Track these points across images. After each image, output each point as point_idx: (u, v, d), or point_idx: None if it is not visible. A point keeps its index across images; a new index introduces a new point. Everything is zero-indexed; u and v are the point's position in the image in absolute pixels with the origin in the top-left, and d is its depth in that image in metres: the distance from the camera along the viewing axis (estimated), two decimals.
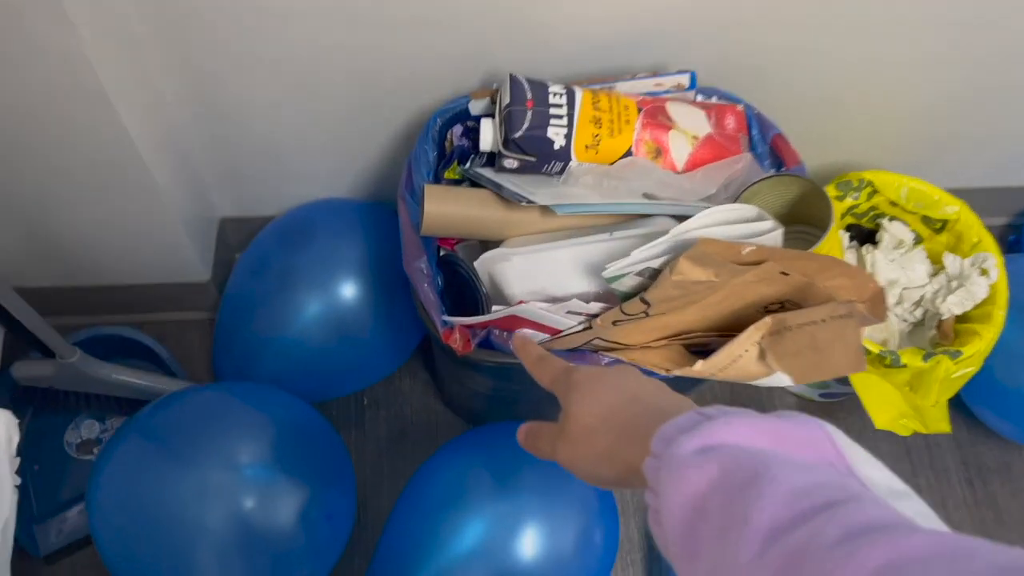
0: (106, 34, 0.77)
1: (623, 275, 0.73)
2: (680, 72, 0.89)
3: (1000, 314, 1.04)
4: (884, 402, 1.03)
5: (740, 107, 0.91)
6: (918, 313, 1.15)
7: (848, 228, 1.20)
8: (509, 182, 0.83)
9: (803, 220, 0.84)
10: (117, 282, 1.13)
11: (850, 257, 1.18)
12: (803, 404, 1.28)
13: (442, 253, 0.89)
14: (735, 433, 0.36)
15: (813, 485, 0.32)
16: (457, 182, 0.89)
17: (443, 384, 1.18)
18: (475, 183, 0.87)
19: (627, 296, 0.75)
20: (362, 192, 1.14)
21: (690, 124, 0.86)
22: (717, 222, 0.72)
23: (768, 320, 0.72)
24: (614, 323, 0.76)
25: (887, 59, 1.01)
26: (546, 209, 0.80)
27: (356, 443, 1.19)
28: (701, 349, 0.82)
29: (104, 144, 0.86)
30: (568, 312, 0.77)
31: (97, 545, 0.91)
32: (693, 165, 0.86)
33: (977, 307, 1.08)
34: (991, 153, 1.26)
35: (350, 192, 1.13)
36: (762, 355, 0.74)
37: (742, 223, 0.71)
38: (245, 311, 1.07)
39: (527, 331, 0.80)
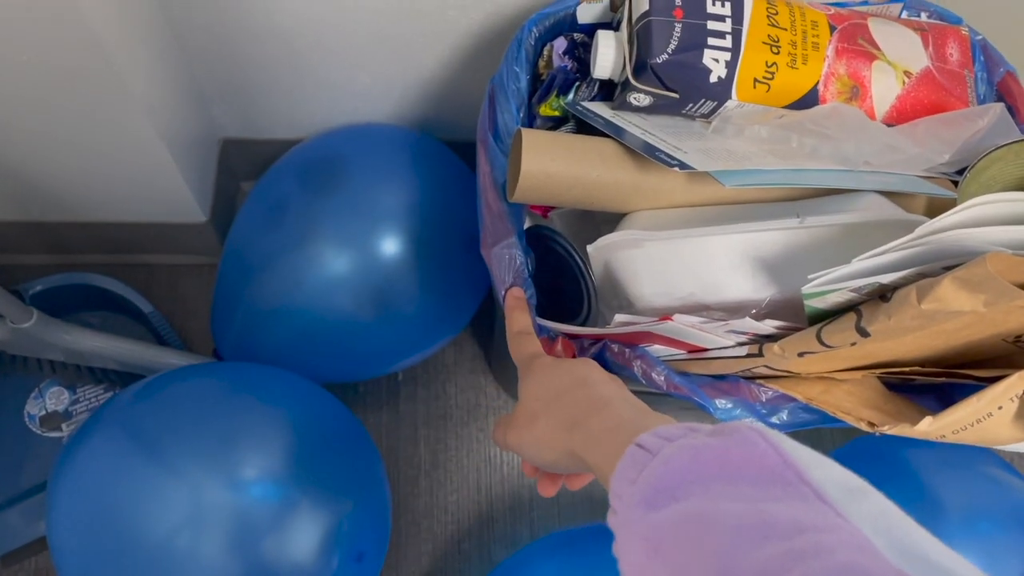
0: None
1: (832, 291, 0.48)
2: None
3: None
4: None
5: (964, 30, 0.63)
6: None
7: None
8: (635, 126, 0.57)
9: None
10: (91, 219, 0.88)
11: None
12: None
13: (529, 224, 0.64)
14: (677, 470, 0.35)
15: (755, 525, 0.31)
16: (558, 122, 0.63)
17: (498, 361, 0.95)
18: (582, 124, 0.61)
19: (823, 315, 0.51)
20: (411, 118, 0.87)
21: (902, 52, 0.60)
22: (991, 219, 0.46)
23: None
24: (800, 355, 0.51)
25: None
26: (696, 172, 0.54)
27: (387, 428, 0.97)
28: (904, 384, 0.58)
29: (56, 35, 0.59)
30: (730, 331, 0.52)
31: (59, 572, 0.70)
32: (900, 113, 0.60)
33: None
34: None
35: (395, 117, 0.87)
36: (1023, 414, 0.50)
37: None
38: (253, 267, 0.82)
39: (658, 347, 0.56)
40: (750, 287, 0.54)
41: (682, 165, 0.52)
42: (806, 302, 0.49)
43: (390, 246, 0.80)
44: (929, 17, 0.65)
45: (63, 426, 0.91)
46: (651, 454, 0.36)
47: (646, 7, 0.56)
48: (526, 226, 0.64)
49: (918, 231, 0.46)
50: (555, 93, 0.63)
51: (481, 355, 1.00)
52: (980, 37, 0.65)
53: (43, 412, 0.91)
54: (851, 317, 0.48)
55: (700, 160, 0.53)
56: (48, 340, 0.80)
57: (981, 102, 0.64)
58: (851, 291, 0.48)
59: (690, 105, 0.59)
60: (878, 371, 0.56)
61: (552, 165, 0.55)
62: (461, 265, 0.83)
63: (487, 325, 0.96)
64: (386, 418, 0.97)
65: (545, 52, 0.64)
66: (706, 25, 0.56)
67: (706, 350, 0.56)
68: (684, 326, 0.51)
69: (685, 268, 0.54)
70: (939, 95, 0.60)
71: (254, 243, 0.83)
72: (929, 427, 0.51)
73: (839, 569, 0.28)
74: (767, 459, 0.34)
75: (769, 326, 0.52)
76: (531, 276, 0.59)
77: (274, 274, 0.81)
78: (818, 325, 0.50)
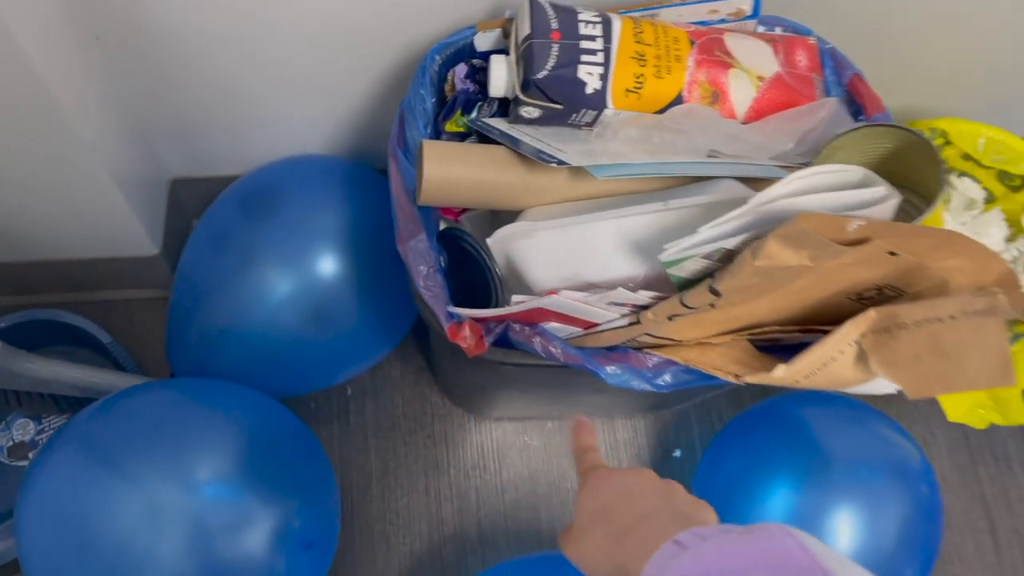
0: None
1: (686, 258, 0.56)
2: None
3: None
4: (961, 393, 0.88)
5: (812, 40, 0.73)
6: None
7: None
8: (528, 136, 0.66)
9: (898, 182, 0.67)
10: (50, 257, 0.94)
11: None
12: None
13: (443, 226, 0.72)
14: (706, 566, 0.36)
15: None
16: (462, 136, 0.71)
17: (441, 373, 1.02)
18: (484, 137, 0.69)
19: (686, 283, 0.59)
20: (343, 148, 0.95)
21: (754, 61, 0.69)
22: (812, 188, 0.55)
23: (872, 314, 0.56)
24: (670, 318, 0.59)
25: None
26: (577, 171, 0.63)
27: (339, 439, 1.03)
28: (772, 345, 0.66)
29: (6, 84, 0.67)
30: (611, 303, 0.60)
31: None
32: (757, 113, 0.69)
33: None
34: None
35: (327, 148, 0.95)
36: (862, 357, 0.58)
37: (845, 190, 0.54)
38: (202, 292, 0.89)
39: (553, 323, 0.64)
40: (628, 265, 0.62)
41: (559, 162, 0.60)
42: (668, 271, 0.57)
43: (327, 265, 0.87)
44: (784, 30, 0.75)
45: (29, 455, 0.96)
46: (685, 549, 0.38)
47: (528, 31, 0.65)
48: (442, 228, 0.71)
49: (751, 202, 0.54)
50: (459, 112, 0.71)
51: (426, 367, 1.07)
52: (830, 46, 0.74)
53: (10, 443, 0.96)
54: (706, 282, 0.56)
55: (577, 158, 0.61)
56: (14, 370, 0.86)
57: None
58: (703, 257, 0.56)
59: (573, 115, 0.67)
60: (745, 334, 0.64)
61: (451, 170, 0.63)
62: (395, 280, 0.90)
63: (428, 339, 1.03)
64: (338, 431, 1.03)
65: (449, 77, 0.72)
66: (579, 44, 0.65)
67: (596, 325, 0.64)
68: (569, 300, 0.59)
69: (572, 252, 0.62)
70: (790, 95, 0.69)
71: (201, 270, 0.89)
72: (784, 373, 0.58)
73: None
74: (795, 558, 0.35)
75: (643, 296, 0.60)
76: (443, 270, 0.67)
77: (221, 297, 0.88)
78: (682, 292, 0.58)
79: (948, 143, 0.96)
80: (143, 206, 0.91)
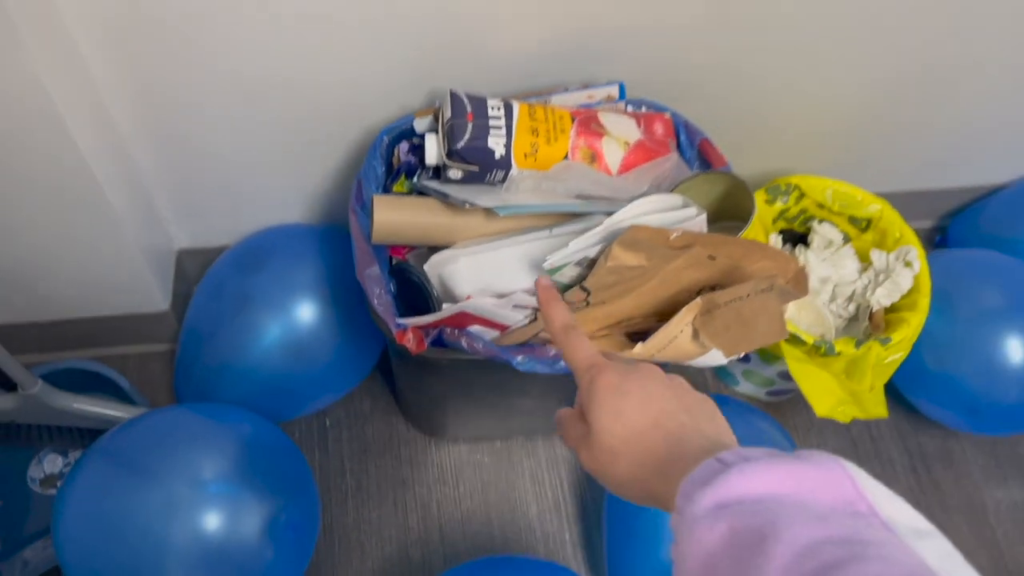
0: (57, 56, 0.82)
1: (563, 265, 0.78)
2: (609, 84, 0.96)
3: (924, 301, 1.11)
4: (823, 391, 1.09)
5: (667, 115, 0.97)
6: (852, 308, 1.21)
7: (781, 232, 1.27)
8: (455, 191, 0.88)
9: (731, 215, 0.90)
10: (76, 315, 1.15)
11: None
12: (753, 403, 1.33)
13: (394, 262, 0.93)
14: (751, 482, 0.36)
15: (822, 541, 0.32)
16: (406, 195, 0.94)
17: (403, 398, 1.21)
18: (423, 195, 0.91)
19: (569, 287, 0.80)
20: (317, 216, 1.18)
21: (621, 131, 0.92)
22: (646, 212, 0.77)
23: (699, 300, 0.78)
24: None
25: (807, 75, 1.09)
26: (490, 212, 0.85)
27: (320, 463, 1.21)
28: (642, 334, 0.87)
29: (61, 173, 0.89)
30: (515, 306, 0.81)
31: (64, 569, 0.92)
32: (626, 168, 0.92)
33: (904, 297, 1.15)
34: (912, 158, 1.35)
35: (305, 217, 1.17)
36: (695, 334, 0.79)
37: (668, 211, 0.77)
38: (204, 337, 1.10)
39: (477, 327, 0.84)
40: (528, 278, 0.83)
41: (471, 204, 0.82)
42: (552, 277, 0.79)
43: (305, 310, 1.08)
44: (648, 109, 0.99)
45: (58, 484, 1.14)
46: (728, 467, 0.37)
47: (449, 115, 0.88)
48: (393, 263, 0.93)
49: (606, 223, 0.77)
50: (403, 177, 0.94)
51: (393, 401, 1.26)
52: (683, 119, 0.99)
53: (42, 475, 1.14)
54: (579, 284, 0.78)
55: (486, 202, 0.83)
56: (50, 404, 1.05)
57: (684, 159, 0.96)
58: (575, 265, 0.78)
59: (488, 175, 0.90)
60: (621, 328, 0.85)
61: (395, 216, 0.85)
62: (363, 322, 1.11)
63: (392, 374, 1.23)
64: (319, 456, 1.22)
65: (396, 151, 0.95)
66: (488, 123, 0.88)
67: (509, 327, 0.85)
68: (481, 303, 0.80)
69: (486, 272, 0.84)
70: (650, 155, 0.93)
71: (202, 317, 1.10)
72: (641, 349, 0.79)
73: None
74: (843, 487, 0.35)
75: (535, 300, 0.81)
76: (393, 293, 0.88)
77: (219, 338, 1.09)
78: (564, 292, 0.80)
79: (803, 195, 1.20)
80: (157, 271, 1.12)
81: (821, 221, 1.24)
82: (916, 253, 1.14)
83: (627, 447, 0.44)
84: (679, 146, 0.97)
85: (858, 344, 1.06)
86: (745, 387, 1.31)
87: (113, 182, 0.95)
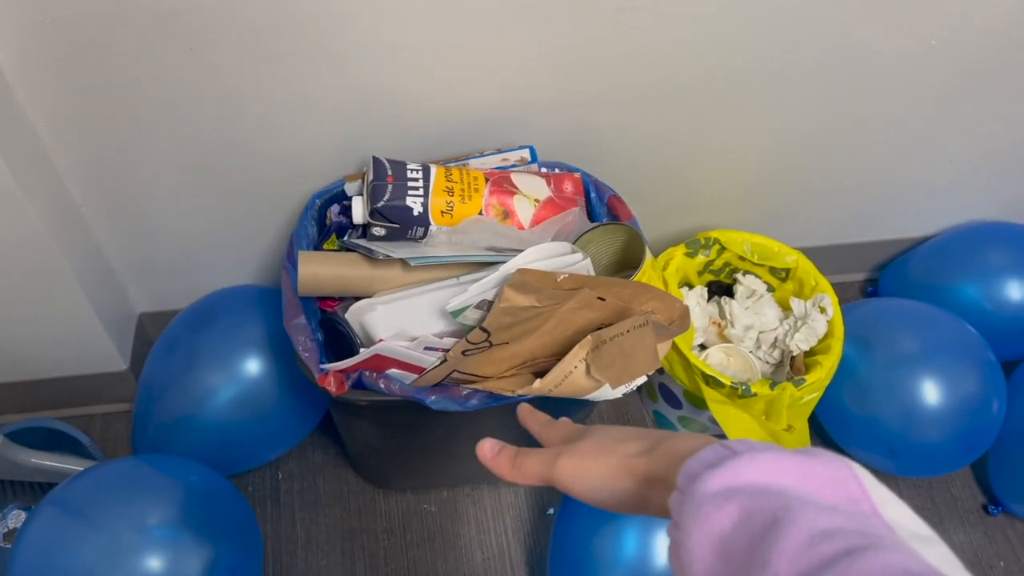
0: (9, 129, 0.91)
1: (464, 308, 0.85)
2: (521, 147, 1.05)
3: (837, 345, 1.18)
4: (744, 431, 1.14)
5: (577, 175, 1.06)
6: (776, 354, 1.28)
7: (709, 284, 1.34)
8: (377, 246, 0.96)
9: (631, 263, 0.98)
10: (38, 376, 1.22)
11: (711, 309, 1.32)
12: None
13: (323, 315, 1.01)
14: (760, 470, 0.35)
15: (835, 528, 0.32)
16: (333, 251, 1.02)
17: (351, 450, 1.27)
18: (351, 251, 1.00)
19: (471, 328, 0.87)
20: (267, 278, 1.26)
21: (532, 190, 1.01)
22: (536, 258, 0.85)
23: (589, 338, 0.84)
24: (464, 353, 0.87)
25: (713, 140, 1.19)
26: (405, 264, 0.93)
27: (272, 515, 1.26)
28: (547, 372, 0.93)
29: (17, 240, 0.98)
30: (426, 348, 0.88)
31: None
32: (536, 222, 1.00)
33: (821, 341, 1.21)
34: (836, 213, 1.43)
35: (257, 278, 1.26)
36: (588, 369, 0.85)
37: (556, 257, 0.85)
38: (158, 394, 1.16)
39: (396, 370, 0.91)
40: (439, 324, 0.90)
41: (387, 256, 0.90)
42: (457, 319, 0.86)
43: (252, 365, 1.15)
44: (560, 170, 1.08)
45: None
46: (737, 453, 0.37)
47: (372, 177, 0.97)
48: (322, 316, 1.00)
49: (501, 269, 0.84)
50: (334, 236, 1.02)
51: (342, 452, 1.32)
52: (594, 178, 1.07)
53: (6, 529, 1.20)
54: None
55: (400, 254, 0.91)
56: (11, 459, 1.11)
57: (595, 214, 1.05)
58: (476, 307, 0.85)
59: (409, 231, 0.98)
60: (528, 367, 0.92)
61: (319, 269, 0.93)
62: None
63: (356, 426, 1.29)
64: (271, 508, 1.27)
65: (328, 213, 1.04)
66: (407, 183, 0.97)
67: (424, 369, 0.91)
68: (394, 346, 0.87)
69: (402, 318, 0.91)
70: (558, 210, 1.01)
71: (157, 374, 1.17)
72: (539, 385, 0.86)
73: (901, 571, 0.29)
74: (848, 485, 0.35)
75: (447, 342, 0.88)
76: (320, 341, 0.95)
77: (172, 394, 1.15)
78: (468, 333, 0.87)
79: (724, 248, 1.28)
80: (116, 332, 1.20)
81: (745, 273, 1.32)
82: (830, 300, 1.21)
83: (625, 439, 0.44)
84: (589, 202, 1.05)
85: (772, 385, 1.12)
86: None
87: (69, 250, 1.04)
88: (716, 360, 1.28)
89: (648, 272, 0.93)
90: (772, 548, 0.32)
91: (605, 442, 0.45)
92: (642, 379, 0.87)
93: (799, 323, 1.23)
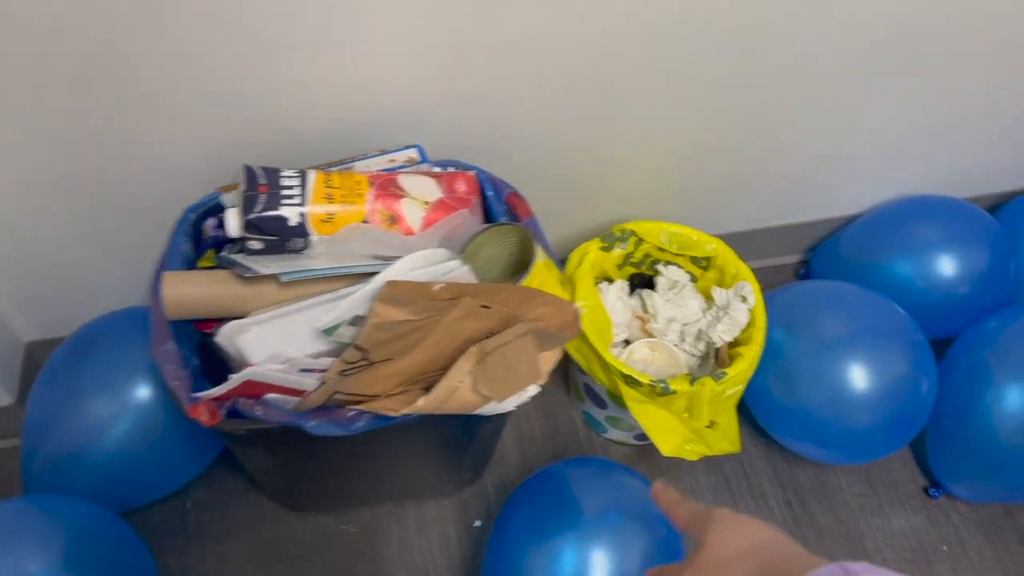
0: None
1: (337, 325, 0.78)
2: (408, 147, 0.98)
3: (759, 335, 1.13)
4: (666, 430, 1.09)
5: (472, 173, 0.99)
6: (701, 346, 1.23)
7: (631, 277, 1.29)
8: (254, 262, 0.89)
9: (527, 265, 0.92)
10: None
11: (633, 304, 1.26)
12: (623, 449, 1.33)
13: (203, 338, 0.94)
14: None
15: None
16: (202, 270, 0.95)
17: (252, 474, 1.20)
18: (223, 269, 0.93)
19: (348, 346, 0.81)
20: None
21: (420, 192, 0.94)
22: (414, 267, 0.79)
23: (474, 349, 0.79)
24: (342, 373, 0.81)
25: (626, 125, 1.13)
26: (286, 281, 0.86)
27: (181, 547, 1.19)
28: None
29: None
30: (302, 370, 0.82)
31: None
32: (427, 226, 0.94)
33: (743, 331, 1.16)
34: (763, 196, 1.38)
35: (145, 300, 1.18)
36: (475, 384, 0.79)
37: (433, 265, 0.78)
38: (44, 429, 1.08)
39: (276, 395, 0.85)
40: (319, 343, 0.84)
41: (252, 272, 0.83)
42: (330, 337, 0.80)
43: (140, 392, 1.08)
44: (456, 168, 1.01)
45: None
46: (854, 573, 0.38)
47: (244, 187, 0.90)
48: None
49: (373, 282, 0.78)
50: (211, 251, 0.95)
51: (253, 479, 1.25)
52: (490, 175, 1.01)
53: None
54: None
55: (273, 269, 0.84)
56: None
57: (494, 213, 0.99)
58: (350, 324, 0.79)
59: (288, 243, 0.91)
60: (420, 383, 0.86)
61: (186, 290, 0.86)
62: None
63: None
64: (180, 540, 1.19)
65: (204, 228, 0.97)
66: (281, 192, 0.90)
67: (305, 392, 0.85)
68: (265, 370, 0.80)
69: (279, 338, 0.84)
70: (451, 212, 0.95)
71: (41, 407, 1.09)
72: (424, 403, 0.80)
73: None
74: None
75: (324, 362, 0.82)
76: (198, 369, 0.88)
77: (58, 428, 1.07)
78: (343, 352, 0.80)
79: (642, 240, 1.22)
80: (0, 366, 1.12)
81: (667, 264, 1.26)
82: (751, 288, 1.16)
83: (740, 556, 0.46)
84: (487, 201, 0.99)
85: (692, 381, 1.07)
86: (613, 434, 1.31)
87: None
88: (641, 356, 1.23)
89: (542, 274, 0.88)
90: None
91: (722, 554, 0.47)
92: (534, 390, 0.81)
93: (721, 313, 1.18)
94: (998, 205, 1.52)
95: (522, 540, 1.09)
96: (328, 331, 0.79)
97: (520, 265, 0.93)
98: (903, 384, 1.17)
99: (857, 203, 1.46)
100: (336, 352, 0.84)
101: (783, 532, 0.49)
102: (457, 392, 0.79)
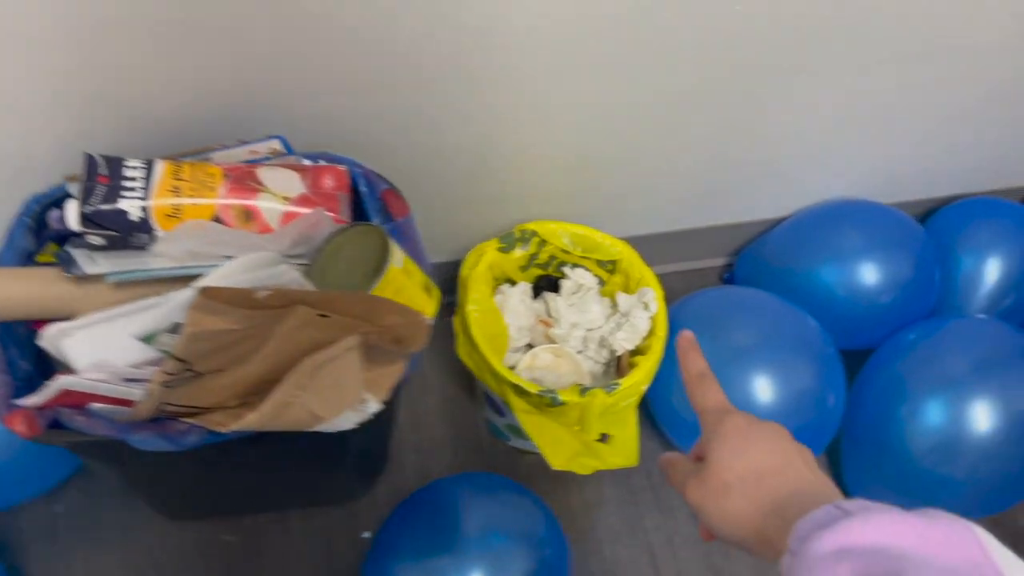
0: None
1: (155, 333, 0.72)
2: (271, 138, 0.91)
3: (659, 344, 1.07)
4: (556, 443, 1.03)
5: (342, 167, 0.92)
6: (605, 354, 1.17)
7: (538, 279, 1.23)
8: (89, 259, 0.82)
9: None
10: None
11: (537, 307, 1.20)
12: (529, 458, 1.27)
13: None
14: (874, 531, 0.35)
15: None
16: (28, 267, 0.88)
17: (139, 486, 1.14)
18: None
19: (170, 355, 0.74)
20: None
21: (281, 186, 0.88)
22: (239, 271, 0.72)
23: (306, 362, 0.72)
24: (165, 385, 0.74)
25: (522, 120, 1.06)
26: (108, 281, 0.79)
27: (45, 556, 1.12)
28: None
29: None
30: (127, 380, 0.75)
31: None
32: (287, 223, 0.87)
33: (644, 340, 1.10)
34: (684, 196, 1.32)
35: None
36: (307, 400, 0.73)
37: (261, 269, 0.72)
38: None
39: (104, 405, 0.78)
40: (147, 351, 0.77)
41: (80, 271, 0.77)
42: (151, 345, 0.73)
43: None
44: (327, 161, 0.94)
45: None
46: (850, 514, 0.37)
47: (84, 177, 0.83)
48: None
49: (191, 286, 0.71)
50: (53, 244, 0.88)
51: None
52: (364, 169, 0.94)
53: None
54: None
55: (99, 268, 0.78)
56: None
57: (367, 210, 0.92)
58: (169, 332, 0.72)
59: (131, 239, 0.84)
60: (259, 394, 0.79)
61: (7, 288, 0.79)
62: None
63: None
64: (47, 547, 1.12)
65: (48, 219, 0.90)
66: (121, 183, 0.83)
67: (133, 403, 0.78)
68: (82, 380, 0.73)
69: (105, 345, 0.78)
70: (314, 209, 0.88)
71: None
72: (254, 418, 0.73)
73: None
74: (969, 549, 0.33)
75: (148, 372, 0.75)
76: (30, 373, 0.81)
77: None
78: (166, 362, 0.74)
79: (545, 242, 1.16)
80: None
81: (574, 266, 1.20)
82: (654, 295, 1.10)
83: (742, 484, 0.45)
84: (359, 197, 0.93)
85: (583, 392, 1.01)
86: (517, 443, 1.25)
87: None
88: (544, 362, 1.17)
89: (399, 280, 0.81)
90: None
91: (733, 484, 0.45)
92: (375, 406, 0.75)
93: (623, 320, 1.12)
94: (933, 210, 1.46)
95: (400, 557, 1.03)
96: (147, 339, 0.72)
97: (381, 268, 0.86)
98: (808, 397, 1.12)
99: (781, 206, 1.40)
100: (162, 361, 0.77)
101: (800, 453, 0.47)
102: (291, 408, 0.73)
